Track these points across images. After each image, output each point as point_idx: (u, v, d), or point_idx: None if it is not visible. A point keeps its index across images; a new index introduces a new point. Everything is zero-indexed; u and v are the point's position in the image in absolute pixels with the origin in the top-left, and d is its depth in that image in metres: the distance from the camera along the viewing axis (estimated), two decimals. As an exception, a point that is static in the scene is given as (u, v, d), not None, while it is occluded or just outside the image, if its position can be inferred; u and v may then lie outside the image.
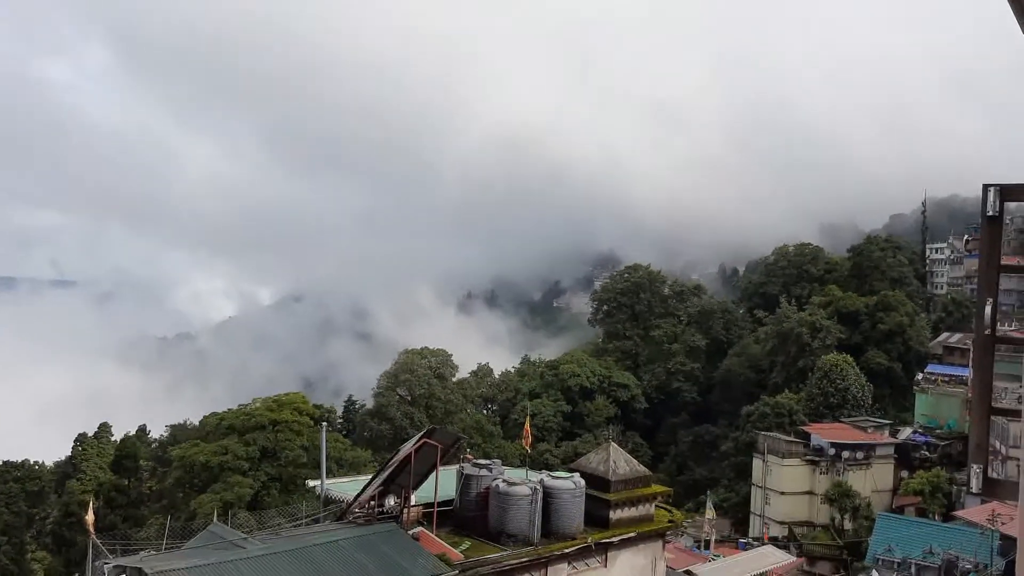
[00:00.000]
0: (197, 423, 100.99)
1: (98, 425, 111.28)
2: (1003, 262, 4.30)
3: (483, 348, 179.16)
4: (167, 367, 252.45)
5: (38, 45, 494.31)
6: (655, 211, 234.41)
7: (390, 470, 30.62)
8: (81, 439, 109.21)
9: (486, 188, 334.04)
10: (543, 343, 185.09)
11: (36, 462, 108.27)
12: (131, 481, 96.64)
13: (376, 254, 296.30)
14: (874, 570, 58.64)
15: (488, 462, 32.70)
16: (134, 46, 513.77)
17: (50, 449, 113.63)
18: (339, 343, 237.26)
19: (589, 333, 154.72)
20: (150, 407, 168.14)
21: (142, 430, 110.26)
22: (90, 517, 32.64)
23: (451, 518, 31.01)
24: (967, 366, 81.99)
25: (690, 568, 52.01)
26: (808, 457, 77.50)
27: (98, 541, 31.68)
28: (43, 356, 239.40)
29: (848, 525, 72.85)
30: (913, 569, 57.11)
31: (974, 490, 4.08)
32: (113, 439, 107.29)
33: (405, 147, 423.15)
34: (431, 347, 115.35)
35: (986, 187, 4.23)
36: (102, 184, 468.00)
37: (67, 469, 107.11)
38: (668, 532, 36.35)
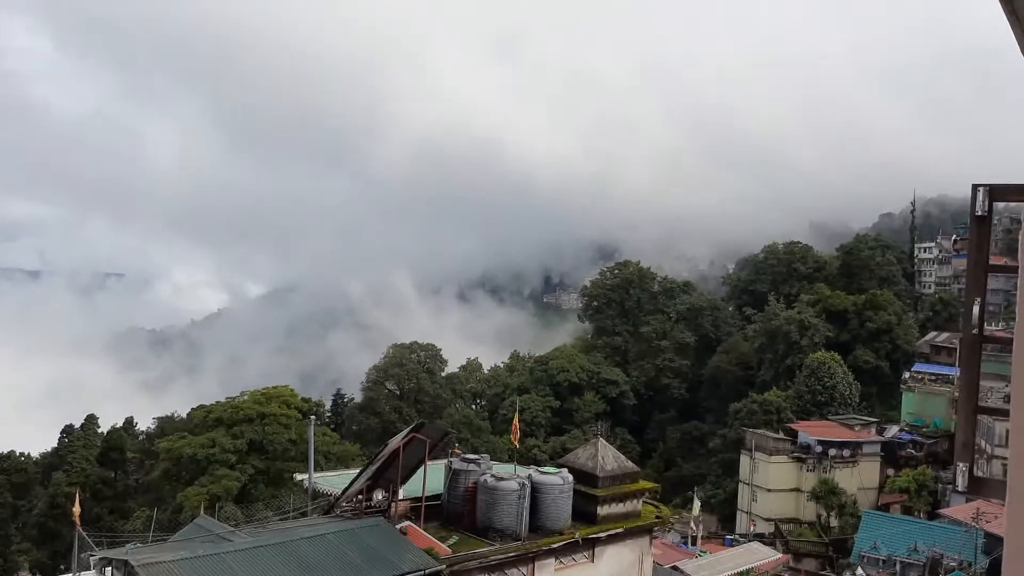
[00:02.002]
0: (184, 415, 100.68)
1: (85, 417, 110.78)
2: (991, 262, 4.31)
3: (480, 341, 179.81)
4: (157, 360, 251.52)
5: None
6: (645, 208, 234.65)
7: (378, 464, 30.62)
8: (67, 431, 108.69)
9: (468, 183, 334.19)
10: (540, 336, 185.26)
11: (22, 453, 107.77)
12: (118, 473, 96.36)
13: (359, 245, 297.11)
14: (859, 567, 58.96)
15: (476, 457, 32.72)
16: (78, 33, 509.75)
17: (36, 440, 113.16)
18: (334, 335, 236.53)
19: (581, 327, 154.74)
20: (139, 399, 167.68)
21: (129, 422, 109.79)
22: (76, 509, 32.55)
23: (439, 513, 31.04)
24: (954, 365, 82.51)
25: (677, 564, 52.34)
26: (795, 454, 77.86)
27: (84, 533, 31.60)
28: (26, 347, 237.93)
29: (834, 522, 73.25)
30: (898, 566, 57.48)
31: (960, 488, 4.10)
32: (100, 431, 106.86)
33: (378, 140, 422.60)
34: (421, 341, 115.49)
35: (975, 187, 4.24)
36: (72, 174, 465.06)
37: (53, 461, 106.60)
38: (655, 528, 36.49)
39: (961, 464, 4.00)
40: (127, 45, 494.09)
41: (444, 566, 26.99)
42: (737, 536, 74.19)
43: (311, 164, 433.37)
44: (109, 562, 27.10)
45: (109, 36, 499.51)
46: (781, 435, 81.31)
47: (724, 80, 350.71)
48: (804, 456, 77.33)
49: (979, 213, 4.17)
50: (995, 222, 4.27)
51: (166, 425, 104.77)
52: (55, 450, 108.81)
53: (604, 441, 35.69)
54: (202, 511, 48.67)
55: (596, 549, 31.44)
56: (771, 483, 77.44)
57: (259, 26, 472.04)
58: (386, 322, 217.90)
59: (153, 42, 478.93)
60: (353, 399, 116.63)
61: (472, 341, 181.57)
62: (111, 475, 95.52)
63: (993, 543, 48.02)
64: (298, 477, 50.96)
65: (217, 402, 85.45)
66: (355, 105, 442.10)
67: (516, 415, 43.87)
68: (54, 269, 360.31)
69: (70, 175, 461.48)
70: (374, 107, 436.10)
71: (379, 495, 30.38)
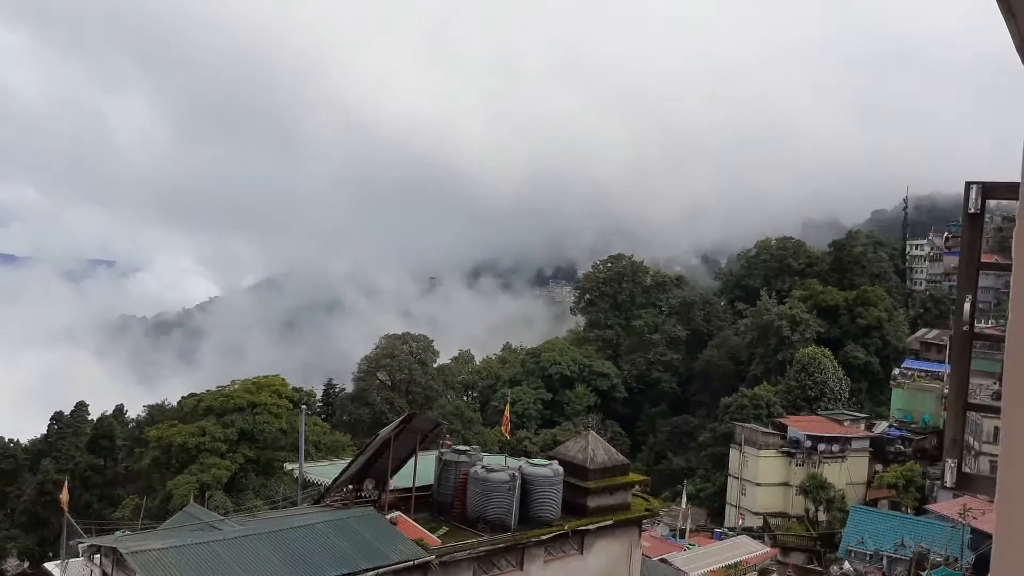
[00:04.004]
0: (175, 404, 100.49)
1: (74, 404, 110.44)
2: (982, 260, 4.32)
3: (478, 332, 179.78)
4: (150, 348, 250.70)
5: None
6: (638, 202, 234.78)
7: (369, 454, 30.62)
8: (57, 418, 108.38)
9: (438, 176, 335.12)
10: (532, 328, 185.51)
11: (11, 440, 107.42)
12: (107, 461, 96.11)
13: (346, 234, 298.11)
14: (846, 561, 59.33)
15: (467, 448, 32.75)
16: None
17: (25, 427, 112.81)
18: (332, 325, 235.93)
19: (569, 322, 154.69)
20: (131, 388, 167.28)
21: (119, 410, 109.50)
22: (65, 496, 32.49)
23: (429, 503, 31.08)
24: (943, 362, 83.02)
25: (666, 556, 52.53)
26: (784, 449, 78.16)
27: (72, 520, 31.54)
28: (14, 334, 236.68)
29: (822, 517, 73.65)
30: (885, 561, 57.84)
31: (948, 484, 4.12)
32: (90, 419, 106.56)
33: (351, 129, 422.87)
34: (412, 332, 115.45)
35: (968, 184, 4.25)
36: (47, 160, 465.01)
37: (42, 448, 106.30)
38: (645, 521, 36.60)
39: (950, 460, 4.02)
40: (89, 31, 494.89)
41: (433, 557, 27.03)
42: (726, 529, 74.48)
43: (286, 153, 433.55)
44: (98, 549, 27.07)
45: (71, 23, 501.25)
46: (771, 430, 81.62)
47: (718, 72, 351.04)
48: (793, 451, 77.64)
49: (972, 211, 4.17)
50: (987, 220, 4.28)
51: (156, 413, 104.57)
52: (44, 437, 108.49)
53: (595, 434, 35.75)
54: (192, 500, 48.65)
55: (585, 541, 31.52)
56: (760, 477, 77.75)
57: (223, 14, 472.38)
58: (384, 310, 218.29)
59: (115, 30, 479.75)
60: (344, 389, 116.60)
61: (473, 331, 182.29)
62: (100, 463, 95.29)
63: (979, 539, 48.32)
64: (288, 467, 51.01)
65: (208, 391, 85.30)
66: (326, 94, 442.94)
67: (507, 407, 43.91)
68: (37, 256, 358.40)
69: (45, 162, 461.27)
70: (342, 96, 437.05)
71: (369, 485, 30.42)
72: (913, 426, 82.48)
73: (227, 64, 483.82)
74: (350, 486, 30.57)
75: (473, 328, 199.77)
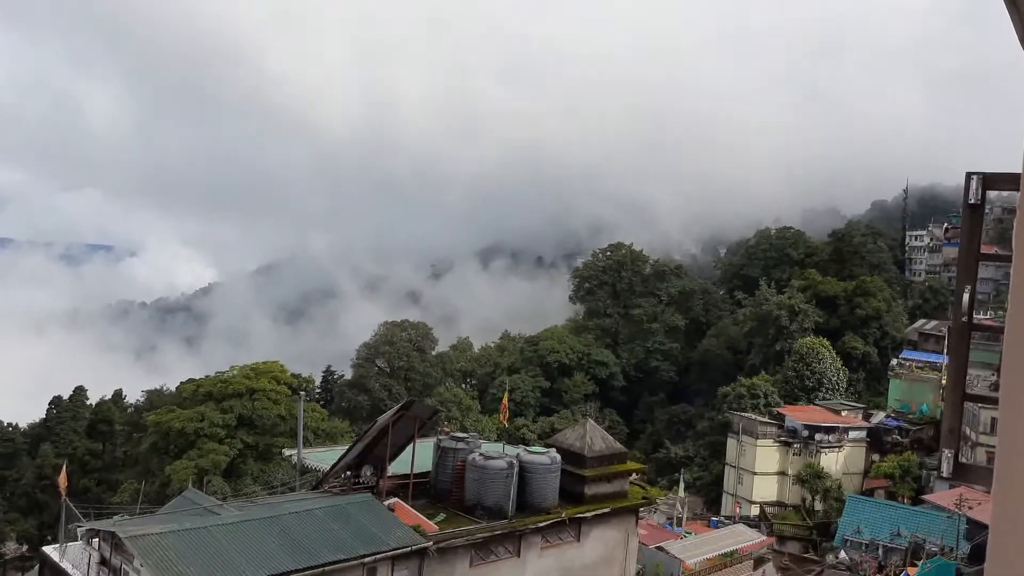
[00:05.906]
0: (174, 389, 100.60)
1: (73, 389, 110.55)
2: (982, 250, 4.32)
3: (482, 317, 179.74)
4: (153, 334, 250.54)
5: None
6: (636, 189, 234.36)
7: (367, 441, 30.70)
8: (56, 402, 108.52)
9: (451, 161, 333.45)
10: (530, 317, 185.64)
11: (9, 424, 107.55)
12: (106, 446, 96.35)
13: (340, 222, 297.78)
14: (842, 551, 59.57)
15: (465, 436, 32.85)
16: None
17: (24, 411, 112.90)
18: (334, 312, 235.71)
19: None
20: (131, 374, 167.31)
21: (118, 395, 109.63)
22: (63, 480, 32.54)
23: (427, 490, 31.18)
24: (942, 353, 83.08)
25: (662, 544, 52.77)
26: (782, 438, 78.32)
27: (71, 504, 31.61)
28: (8, 317, 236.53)
29: (818, 506, 73.91)
30: (880, 551, 58.05)
31: (945, 474, 4.13)
32: (88, 403, 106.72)
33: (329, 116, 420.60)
34: (412, 320, 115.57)
35: (969, 175, 4.24)
36: (32, 145, 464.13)
37: (41, 432, 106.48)
38: (641, 509, 36.74)
39: (947, 450, 4.03)
40: (59, 16, 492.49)
41: (431, 543, 27.14)
42: (722, 518, 74.76)
43: (276, 141, 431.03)
44: (96, 533, 27.18)
45: (40, 9, 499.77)
46: (768, 419, 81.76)
47: (712, 62, 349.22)
48: (790, 440, 77.82)
49: (972, 201, 4.17)
50: (987, 211, 4.28)
51: (155, 398, 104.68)
52: (43, 421, 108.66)
53: (593, 422, 35.85)
54: (190, 484, 48.79)
55: (582, 528, 31.65)
56: (757, 466, 77.96)
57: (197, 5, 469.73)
58: (387, 297, 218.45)
59: (87, 17, 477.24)
60: (343, 376, 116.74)
61: (479, 316, 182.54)
62: (99, 447, 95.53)
63: (975, 529, 48.45)
64: (287, 453, 51.14)
65: (207, 376, 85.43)
66: (306, 78, 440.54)
67: (505, 395, 44.05)
68: (35, 239, 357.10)
69: (34, 147, 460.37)
70: (323, 81, 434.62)
71: (367, 472, 30.51)
72: (910, 416, 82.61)
73: (205, 51, 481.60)
74: (348, 472, 30.67)
75: (479, 313, 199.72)
